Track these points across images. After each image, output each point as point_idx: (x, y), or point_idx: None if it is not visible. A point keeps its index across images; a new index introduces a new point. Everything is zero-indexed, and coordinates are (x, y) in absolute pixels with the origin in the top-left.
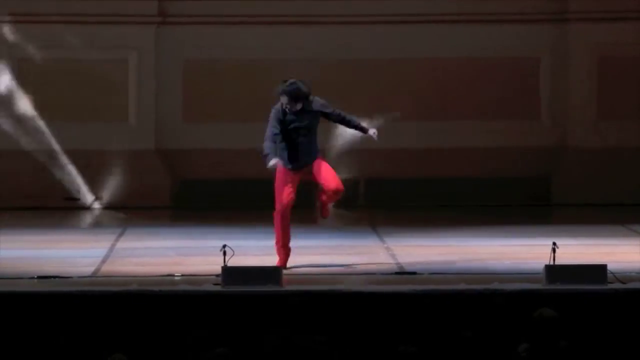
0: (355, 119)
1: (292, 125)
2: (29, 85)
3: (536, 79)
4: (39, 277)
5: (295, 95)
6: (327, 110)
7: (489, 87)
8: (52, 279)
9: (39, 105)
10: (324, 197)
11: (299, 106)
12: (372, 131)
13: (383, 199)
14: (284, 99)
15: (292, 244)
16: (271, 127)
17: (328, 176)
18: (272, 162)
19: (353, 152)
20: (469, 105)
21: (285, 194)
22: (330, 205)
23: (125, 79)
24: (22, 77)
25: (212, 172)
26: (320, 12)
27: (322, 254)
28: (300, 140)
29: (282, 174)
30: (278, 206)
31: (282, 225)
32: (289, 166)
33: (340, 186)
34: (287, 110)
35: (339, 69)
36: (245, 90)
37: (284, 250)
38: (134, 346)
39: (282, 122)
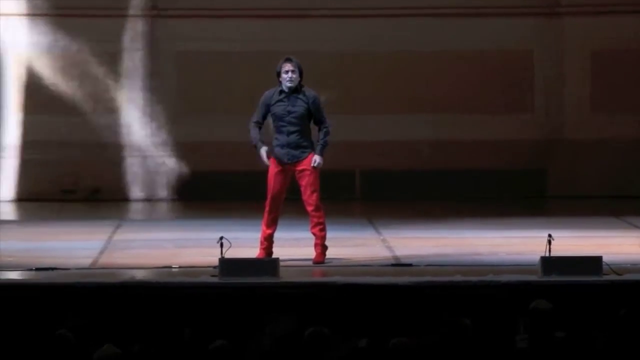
0: (325, 136)
1: (282, 109)
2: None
3: (530, 73)
4: (37, 269)
5: (300, 67)
6: (316, 107)
7: (482, 81)
8: (50, 270)
9: (36, 97)
10: (312, 229)
11: (297, 82)
12: (317, 158)
13: (379, 191)
14: (289, 66)
15: (289, 235)
16: (254, 114)
17: (307, 193)
18: (263, 154)
19: (349, 144)
20: (463, 98)
21: (272, 186)
22: (324, 248)
23: (121, 71)
24: (20, 69)
25: (209, 164)
26: (314, 5)
27: None
28: (290, 129)
29: (273, 165)
30: (267, 198)
31: (267, 218)
32: (278, 157)
33: (314, 207)
34: (282, 89)
35: (331, 62)
36: (241, 82)
37: (265, 245)
38: (131, 338)
39: (272, 107)
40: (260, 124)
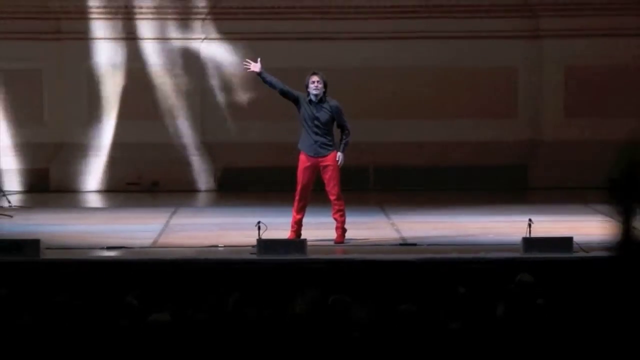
0: (347, 138)
1: (310, 113)
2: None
3: (515, 85)
4: (108, 248)
5: (325, 81)
6: (339, 114)
7: (475, 92)
8: (119, 249)
9: (113, 106)
10: (334, 215)
11: (322, 92)
12: (340, 155)
13: (389, 183)
14: (315, 78)
15: (313, 220)
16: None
17: (330, 185)
18: (257, 65)
19: (364, 144)
20: (460, 106)
21: (301, 179)
22: (343, 230)
23: (179, 86)
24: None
25: (250, 160)
26: (338, 30)
27: None
28: (315, 131)
29: (302, 160)
30: (297, 189)
31: (297, 206)
32: (307, 153)
33: (336, 197)
34: (310, 98)
35: (351, 76)
36: (274, 94)
37: (295, 228)
38: (184, 305)
39: (303, 108)
40: (286, 89)
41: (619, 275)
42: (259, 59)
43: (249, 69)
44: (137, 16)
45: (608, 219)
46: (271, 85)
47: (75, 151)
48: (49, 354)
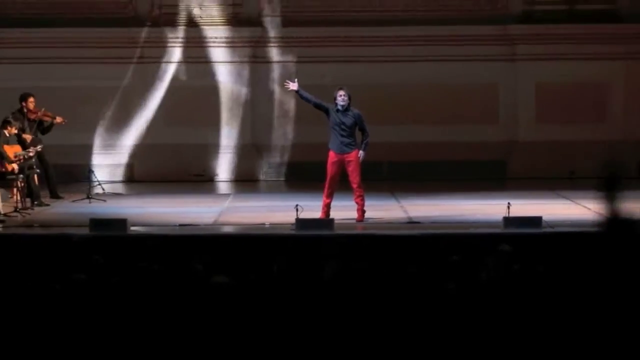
0: (367, 139)
1: (338, 120)
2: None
3: (496, 97)
4: (180, 225)
5: (349, 94)
6: (360, 120)
7: (465, 103)
8: (188, 226)
9: (185, 115)
10: (356, 199)
11: (347, 103)
12: (361, 153)
13: (399, 175)
14: (342, 92)
15: (339, 203)
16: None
17: (352, 176)
18: (295, 84)
19: (379, 144)
20: (453, 114)
21: (330, 171)
22: (363, 211)
23: (233, 99)
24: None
25: (288, 157)
26: (358, 54)
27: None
28: (342, 133)
29: (331, 156)
30: (327, 179)
31: (326, 192)
32: (335, 151)
33: (357, 185)
34: (338, 108)
35: (369, 91)
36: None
37: (325, 209)
38: (239, 270)
39: (329, 113)
40: (318, 102)
41: (605, 249)
42: (295, 79)
43: (289, 88)
44: (203, 44)
45: (575, 203)
46: (306, 99)
47: (154, 150)
48: (134, 307)
